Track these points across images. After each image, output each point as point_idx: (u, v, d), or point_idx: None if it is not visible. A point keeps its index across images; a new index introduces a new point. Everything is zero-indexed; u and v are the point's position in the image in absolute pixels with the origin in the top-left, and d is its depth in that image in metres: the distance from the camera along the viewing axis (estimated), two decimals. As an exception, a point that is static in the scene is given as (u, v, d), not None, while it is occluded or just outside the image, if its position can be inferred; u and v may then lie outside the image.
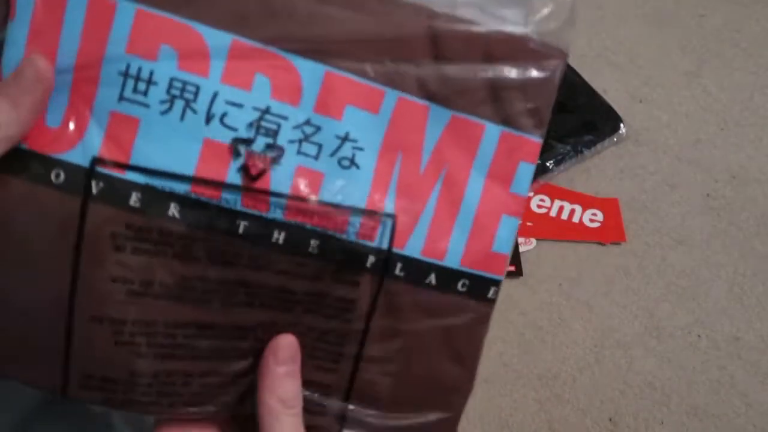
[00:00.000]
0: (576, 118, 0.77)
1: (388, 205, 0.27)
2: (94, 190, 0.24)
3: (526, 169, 0.28)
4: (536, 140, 0.28)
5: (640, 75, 0.82)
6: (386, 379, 0.29)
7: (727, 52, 0.84)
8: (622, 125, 0.76)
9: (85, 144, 0.24)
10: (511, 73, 0.27)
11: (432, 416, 0.30)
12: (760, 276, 0.69)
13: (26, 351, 0.26)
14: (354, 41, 0.25)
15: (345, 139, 0.26)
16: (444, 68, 0.26)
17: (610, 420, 0.62)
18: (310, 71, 0.25)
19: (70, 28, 0.23)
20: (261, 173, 0.25)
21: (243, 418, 0.29)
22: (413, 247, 0.27)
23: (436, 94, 0.26)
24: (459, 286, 0.28)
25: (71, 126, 0.24)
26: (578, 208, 0.73)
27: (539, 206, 0.73)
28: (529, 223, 0.72)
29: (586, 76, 0.80)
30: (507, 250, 0.29)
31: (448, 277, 0.28)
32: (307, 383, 0.28)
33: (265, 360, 0.27)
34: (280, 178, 0.25)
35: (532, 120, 0.28)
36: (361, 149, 0.26)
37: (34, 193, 0.24)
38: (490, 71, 0.26)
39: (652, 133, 0.78)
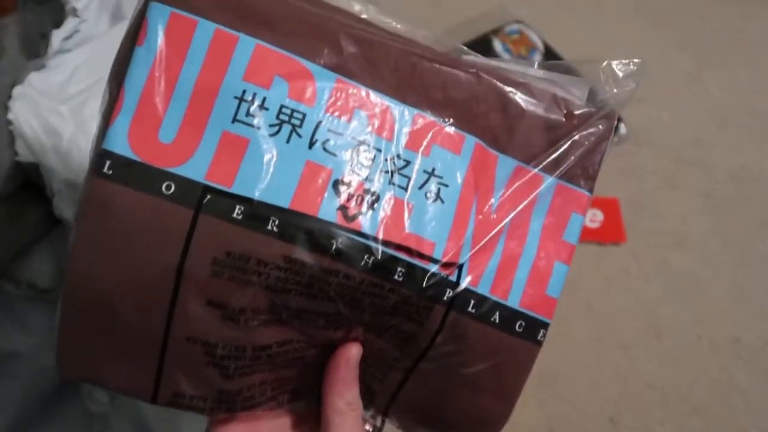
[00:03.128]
0: (576, 118, 0.77)
1: (466, 242, 0.29)
2: (204, 202, 0.26)
3: (576, 220, 0.31)
4: (586, 194, 0.31)
5: (640, 75, 0.82)
6: (431, 400, 0.31)
7: (727, 52, 0.84)
8: (622, 125, 0.76)
9: (196, 159, 0.26)
10: (569, 134, 0.30)
11: None
12: (760, 276, 0.69)
13: (123, 359, 0.27)
14: (442, 92, 0.28)
15: (432, 174, 0.28)
16: (512, 124, 0.29)
17: (610, 420, 0.62)
18: (402, 112, 0.28)
19: (194, 55, 0.26)
20: (357, 215, 0.27)
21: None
22: (484, 285, 0.29)
23: (505, 146, 0.29)
24: (517, 326, 0.30)
25: (184, 142, 0.26)
26: (578, 208, 0.73)
27: (539, 206, 0.73)
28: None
29: (587, 76, 0.80)
30: (557, 295, 0.31)
31: (509, 316, 0.30)
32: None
33: (336, 367, 0.29)
34: (373, 215, 0.27)
35: (583, 175, 0.31)
36: (446, 185, 0.28)
37: (144, 202, 0.25)
38: (551, 132, 0.30)
39: (652, 133, 0.78)
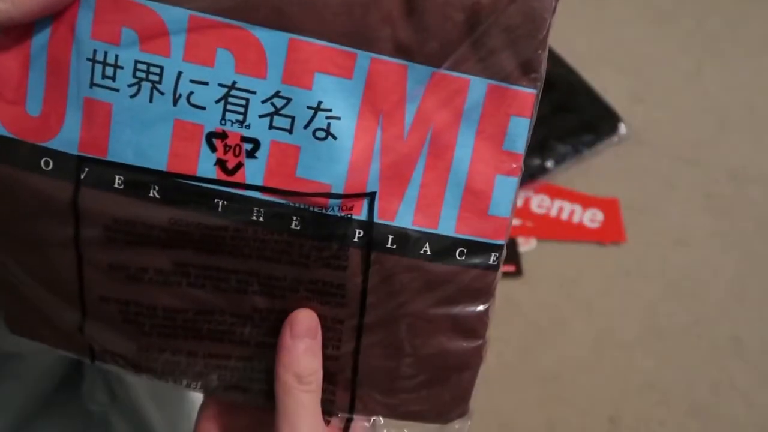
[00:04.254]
0: (576, 118, 0.77)
1: (372, 176, 0.26)
2: (82, 176, 0.25)
3: (519, 124, 0.26)
4: (528, 91, 0.25)
5: (640, 75, 0.82)
6: (394, 361, 0.28)
7: (727, 52, 0.84)
8: (622, 125, 0.76)
9: (65, 131, 0.25)
10: (493, 19, 0.24)
11: (444, 395, 0.29)
12: (760, 276, 0.69)
13: (54, 324, 0.28)
14: (317, 4, 0.24)
15: (318, 108, 0.25)
16: (419, 23, 0.24)
17: (610, 420, 0.62)
18: (273, 40, 0.24)
19: (41, 19, 0.24)
20: (237, 167, 0.25)
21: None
22: (403, 217, 0.26)
23: (414, 52, 0.25)
24: (457, 254, 0.27)
25: (51, 114, 0.25)
26: (578, 208, 0.73)
27: (539, 206, 0.73)
28: (529, 223, 0.72)
29: (586, 76, 0.80)
30: (506, 213, 0.27)
31: (444, 245, 0.27)
32: None
33: (281, 334, 0.26)
34: (256, 163, 0.25)
35: (521, 70, 0.25)
36: (336, 118, 0.25)
37: (28, 180, 0.25)
38: (470, 21, 0.24)
39: (652, 133, 0.78)
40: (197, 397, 0.45)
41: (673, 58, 0.84)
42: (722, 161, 0.76)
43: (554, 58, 0.79)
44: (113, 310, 0.27)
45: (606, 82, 0.80)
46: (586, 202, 0.73)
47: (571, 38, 0.82)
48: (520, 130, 0.26)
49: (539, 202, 0.73)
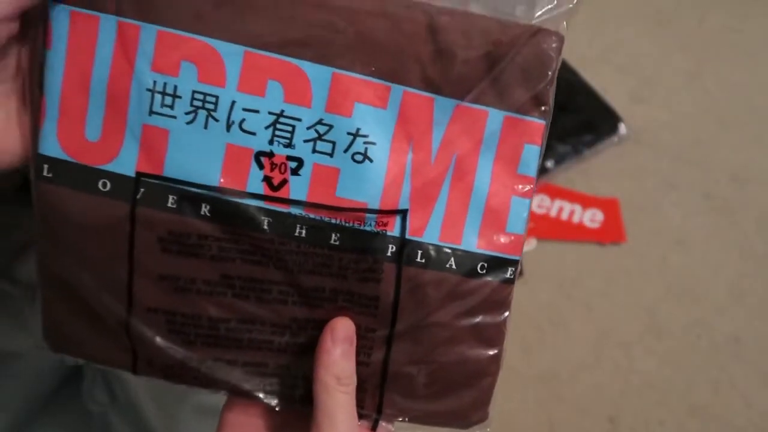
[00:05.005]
0: (576, 118, 0.77)
1: (404, 195, 0.28)
2: (138, 196, 0.27)
3: (531, 151, 0.29)
4: (539, 122, 0.29)
5: (640, 75, 0.82)
6: (418, 368, 0.30)
7: (727, 52, 0.84)
8: (621, 125, 0.76)
9: (123, 155, 0.27)
10: (509, 58, 0.28)
11: (465, 401, 0.31)
12: (760, 276, 0.69)
13: (99, 335, 0.29)
14: (357, 42, 0.27)
15: (356, 134, 0.27)
16: (446, 62, 0.27)
17: (610, 420, 0.62)
18: (318, 74, 0.27)
19: (102, 52, 0.26)
20: (282, 183, 0.27)
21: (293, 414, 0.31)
22: (431, 233, 0.29)
23: (440, 86, 0.28)
24: (478, 268, 0.29)
25: (109, 139, 0.27)
26: (578, 208, 0.73)
27: (539, 206, 0.73)
28: (529, 224, 0.72)
29: (586, 76, 0.80)
30: (521, 231, 0.30)
31: (467, 260, 0.29)
32: None
33: (322, 339, 0.28)
34: (299, 180, 0.27)
35: (533, 103, 0.29)
36: (373, 143, 0.27)
37: (85, 200, 0.27)
38: (489, 61, 0.28)
39: (652, 133, 0.78)
40: (197, 398, 0.45)
41: (673, 58, 0.84)
42: (722, 161, 0.76)
43: (554, 58, 0.79)
44: (160, 321, 0.28)
45: (606, 82, 0.80)
46: (586, 202, 0.73)
47: (571, 38, 0.82)
48: (532, 156, 0.29)
49: (539, 202, 0.73)
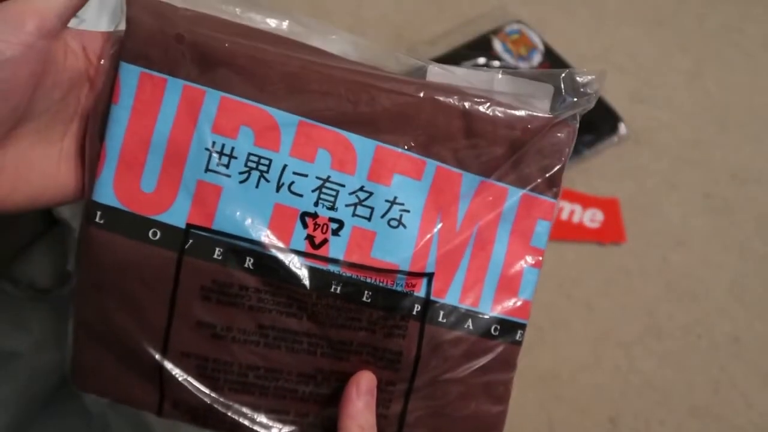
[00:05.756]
0: (576, 118, 0.76)
1: (431, 259, 0.30)
2: (186, 246, 0.29)
3: (543, 226, 0.32)
4: (551, 201, 0.32)
5: (640, 75, 0.82)
6: (432, 421, 0.32)
7: (727, 52, 0.84)
8: (622, 125, 0.76)
9: (176, 207, 0.29)
10: (531, 145, 0.31)
11: None
12: (760, 276, 0.69)
13: (129, 376, 0.30)
14: (400, 121, 0.29)
15: (393, 202, 0.30)
16: (476, 143, 0.30)
17: (610, 420, 0.62)
18: (363, 145, 0.29)
19: (165, 111, 0.28)
20: (323, 242, 0.29)
21: None
22: (452, 295, 0.31)
23: (469, 165, 0.31)
24: (492, 330, 0.32)
25: (163, 191, 0.28)
26: (578, 208, 0.73)
27: (539, 206, 0.73)
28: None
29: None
30: (530, 297, 0.32)
31: (483, 322, 0.32)
32: None
33: (347, 390, 0.30)
34: (339, 240, 0.29)
35: (547, 183, 0.32)
36: (407, 211, 0.30)
37: (135, 248, 0.28)
38: (513, 145, 0.31)
39: (652, 133, 0.78)
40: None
41: (673, 58, 0.84)
42: (722, 161, 0.76)
43: (554, 58, 0.79)
44: (191, 365, 0.30)
45: (606, 82, 0.80)
46: (586, 202, 0.73)
47: (572, 38, 0.82)
48: (544, 231, 0.32)
49: (539, 202, 0.73)
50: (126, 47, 0.28)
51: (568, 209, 0.73)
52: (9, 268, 0.45)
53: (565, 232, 0.71)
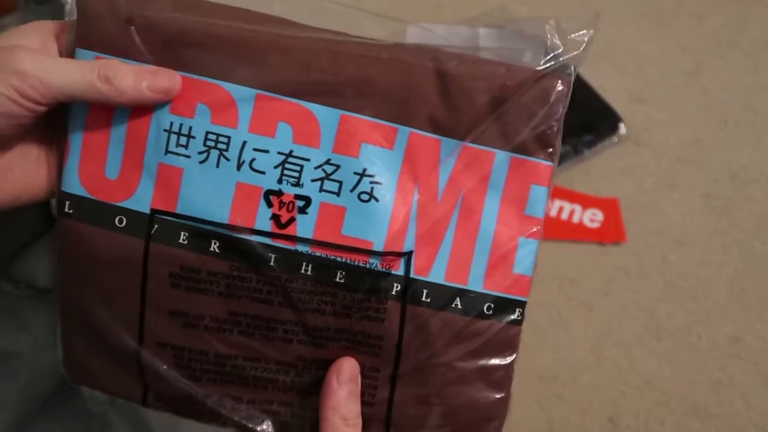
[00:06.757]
0: (576, 118, 0.76)
1: (410, 235, 0.28)
2: (152, 232, 0.28)
3: (538, 192, 0.29)
4: (546, 164, 0.29)
5: (640, 75, 0.82)
6: (426, 409, 0.30)
7: (727, 52, 0.84)
8: (622, 125, 0.76)
9: (140, 193, 0.28)
10: (515, 101, 0.28)
11: None
12: (760, 276, 0.69)
13: (112, 368, 0.30)
14: (366, 87, 0.27)
15: (363, 174, 0.28)
16: (451, 103, 0.28)
17: (610, 420, 0.62)
18: (326, 115, 0.28)
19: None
20: (290, 221, 0.28)
21: None
22: (437, 273, 0.29)
23: (446, 128, 0.28)
24: (485, 309, 0.29)
25: (127, 177, 0.28)
26: (578, 208, 0.73)
27: (539, 206, 0.73)
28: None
29: (586, 76, 0.80)
30: (528, 272, 0.29)
31: (473, 300, 0.29)
32: None
33: (328, 379, 0.28)
34: (306, 218, 0.28)
35: (538, 144, 0.29)
36: (379, 183, 0.28)
37: (103, 236, 0.28)
38: (495, 102, 0.28)
39: (652, 133, 0.78)
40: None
41: (673, 58, 0.83)
42: (722, 161, 0.76)
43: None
44: (168, 356, 0.29)
45: (606, 82, 0.80)
46: (586, 202, 0.73)
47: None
48: (539, 197, 0.29)
49: (539, 202, 0.73)
50: (79, 33, 0.27)
51: (568, 209, 0.73)
52: (9, 268, 0.45)
53: (565, 232, 0.71)
